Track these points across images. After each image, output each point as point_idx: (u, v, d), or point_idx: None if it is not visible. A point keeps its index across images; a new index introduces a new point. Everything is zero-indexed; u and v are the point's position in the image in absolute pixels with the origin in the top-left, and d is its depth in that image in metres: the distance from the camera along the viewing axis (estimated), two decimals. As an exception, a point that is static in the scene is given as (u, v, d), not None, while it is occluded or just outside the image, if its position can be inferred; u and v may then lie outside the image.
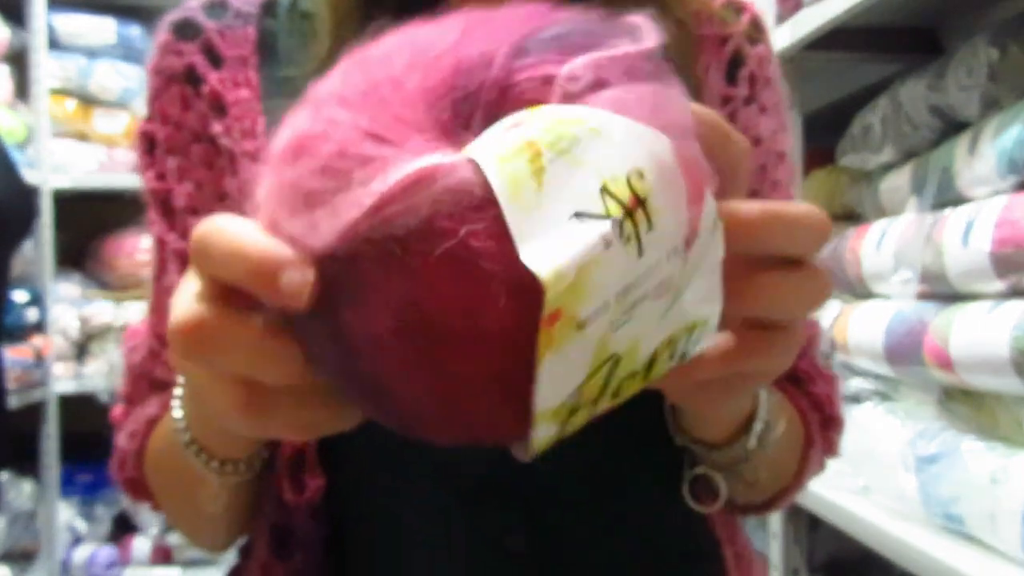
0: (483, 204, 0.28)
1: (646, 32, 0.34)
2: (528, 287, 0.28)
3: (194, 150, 0.61)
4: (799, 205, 0.35)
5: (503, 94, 0.31)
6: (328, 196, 0.30)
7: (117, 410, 0.64)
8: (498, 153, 0.28)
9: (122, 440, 0.61)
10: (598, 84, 0.31)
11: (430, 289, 0.29)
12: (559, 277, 0.28)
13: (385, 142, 0.30)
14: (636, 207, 0.29)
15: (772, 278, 0.36)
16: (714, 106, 0.62)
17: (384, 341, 0.30)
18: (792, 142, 0.67)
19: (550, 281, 0.28)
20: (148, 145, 0.62)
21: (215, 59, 0.61)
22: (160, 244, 0.61)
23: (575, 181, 0.28)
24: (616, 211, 0.28)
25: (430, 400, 0.32)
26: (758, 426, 0.52)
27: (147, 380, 0.62)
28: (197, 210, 0.59)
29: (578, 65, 0.31)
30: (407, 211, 0.28)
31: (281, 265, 0.29)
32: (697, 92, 0.62)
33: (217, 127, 0.60)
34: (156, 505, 0.62)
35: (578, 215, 0.28)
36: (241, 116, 0.59)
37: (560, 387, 0.30)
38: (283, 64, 0.60)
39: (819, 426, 0.63)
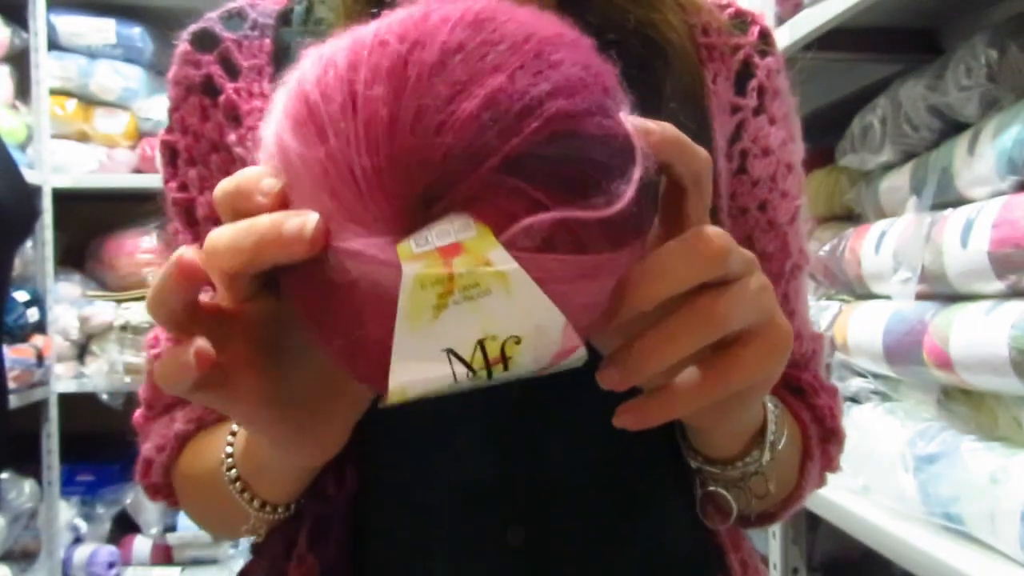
0: (389, 304, 0.33)
1: (641, 165, 0.35)
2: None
3: (213, 160, 0.62)
4: (680, 242, 0.37)
5: (470, 202, 0.34)
6: (299, 188, 0.35)
7: (138, 415, 0.66)
8: (420, 276, 0.33)
9: (149, 450, 0.63)
10: (545, 246, 0.34)
11: (324, 324, 0.36)
12: (401, 393, 0.35)
13: (357, 188, 0.34)
14: (498, 363, 0.34)
15: (705, 300, 0.37)
16: (723, 114, 0.63)
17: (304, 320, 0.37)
18: (801, 151, 0.69)
19: (392, 393, 0.35)
20: (170, 155, 0.63)
21: (232, 70, 0.62)
22: None
23: (463, 326, 0.33)
24: (479, 365, 0.34)
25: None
26: (770, 438, 0.53)
27: None
28: (217, 219, 0.60)
29: (541, 222, 0.34)
30: (338, 264, 0.34)
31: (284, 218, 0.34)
32: (705, 99, 0.63)
33: (232, 136, 0.61)
34: (174, 504, 0.65)
35: (449, 351, 0.34)
36: (255, 126, 0.60)
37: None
38: None
39: (819, 439, 0.63)
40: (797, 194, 0.66)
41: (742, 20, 0.66)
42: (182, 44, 0.63)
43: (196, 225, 0.62)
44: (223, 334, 0.37)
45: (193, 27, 0.64)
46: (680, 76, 0.61)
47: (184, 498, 0.63)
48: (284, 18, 0.63)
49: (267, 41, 0.62)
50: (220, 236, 0.36)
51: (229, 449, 0.54)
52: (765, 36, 0.67)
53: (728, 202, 0.63)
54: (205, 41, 0.63)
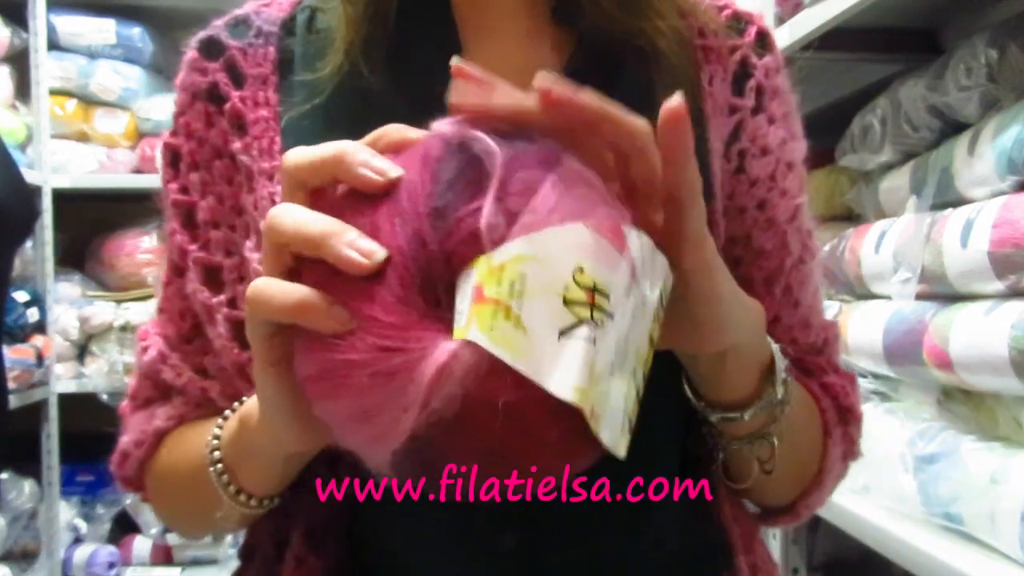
0: (496, 370, 0.35)
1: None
2: (563, 406, 0.35)
3: (216, 166, 0.63)
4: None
5: (447, 265, 0.37)
6: (380, 407, 0.36)
7: (124, 405, 0.67)
8: (481, 326, 0.34)
9: (127, 443, 0.65)
10: (511, 218, 0.36)
11: (496, 444, 0.37)
12: (581, 391, 0.35)
13: (401, 346, 0.36)
14: (591, 296, 0.36)
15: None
16: (720, 116, 0.64)
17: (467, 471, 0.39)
18: (803, 149, 0.69)
19: (577, 398, 0.35)
20: (172, 158, 0.64)
21: (237, 78, 0.63)
22: (181, 253, 0.64)
23: (542, 310, 0.35)
24: (583, 313, 0.35)
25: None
26: (780, 374, 0.54)
27: (153, 380, 0.66)
28: (218, 223, 0.63)
29: (489, 212, 0.36)
30: (446, 402, 0.35)
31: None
32: (700, 102, 0.63)
33: (237, 144, 0.62)
34: (147, 499, 0.66)
35: (562, 333, 0.35)
36: (260, 135, 0.61)
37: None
38: (299, 80, 0.61)
39: (835, 416, 0.64)
40: (797, 192, 0.66)
41: (739, 21, 0.67)
42: (190, 51, 0.65)
43: (196, 228, 0.63)
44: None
45: (201, 34, 0.65)
46: (672, 84, 0.61)
47: (156, 492, 0.65)
48: (286, 27, 0.64)
49: (271, 49, 0.63)
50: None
51: (217, 431, 0.55)
52: (763, 36, 0.67)
53: (726, 201, 0.63)
54: (212, 49, 0.64)
